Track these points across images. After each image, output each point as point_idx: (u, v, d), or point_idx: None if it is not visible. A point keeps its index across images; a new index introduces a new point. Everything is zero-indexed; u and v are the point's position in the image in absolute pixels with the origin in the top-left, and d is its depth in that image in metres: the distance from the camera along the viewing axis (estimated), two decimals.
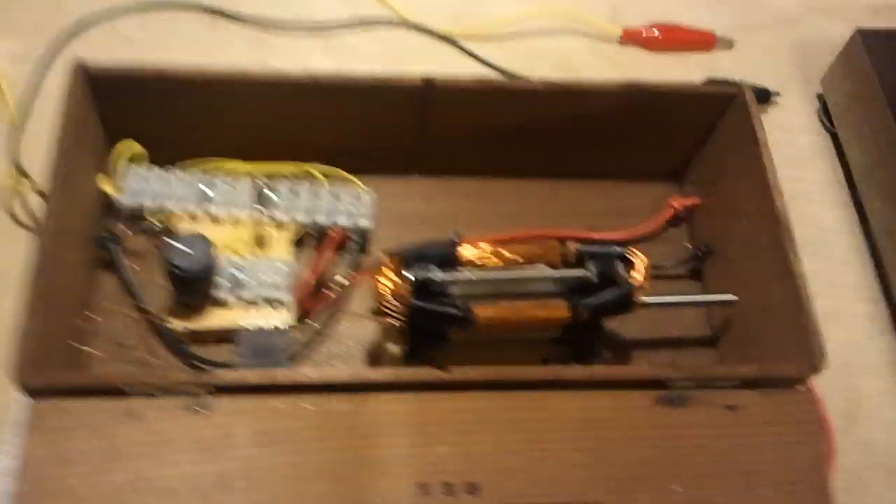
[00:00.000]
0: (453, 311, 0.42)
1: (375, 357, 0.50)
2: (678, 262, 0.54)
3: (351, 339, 0.50)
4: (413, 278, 0.43)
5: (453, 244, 0.45)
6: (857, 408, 0.52)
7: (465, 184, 0.57)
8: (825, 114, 0.64)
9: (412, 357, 0.46)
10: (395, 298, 0.42)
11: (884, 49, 0.59)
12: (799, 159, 0.63)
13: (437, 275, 0.43)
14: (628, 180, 0.58)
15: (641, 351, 0.51)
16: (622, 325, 0.52)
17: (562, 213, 0.57)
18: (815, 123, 0.65)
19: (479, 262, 0.45)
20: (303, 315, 0.50)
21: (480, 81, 0.50)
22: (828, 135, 0.64)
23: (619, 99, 0.51)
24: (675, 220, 0.57)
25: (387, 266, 0.43)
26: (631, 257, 0.45)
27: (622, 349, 0.51)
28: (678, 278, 0.54)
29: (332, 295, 0.50)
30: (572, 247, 0.46)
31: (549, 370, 0.40)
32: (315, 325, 0.49)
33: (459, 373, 0.40)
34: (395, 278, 0.43)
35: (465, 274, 0.44)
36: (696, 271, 0.55)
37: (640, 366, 0.46)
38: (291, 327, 0.48)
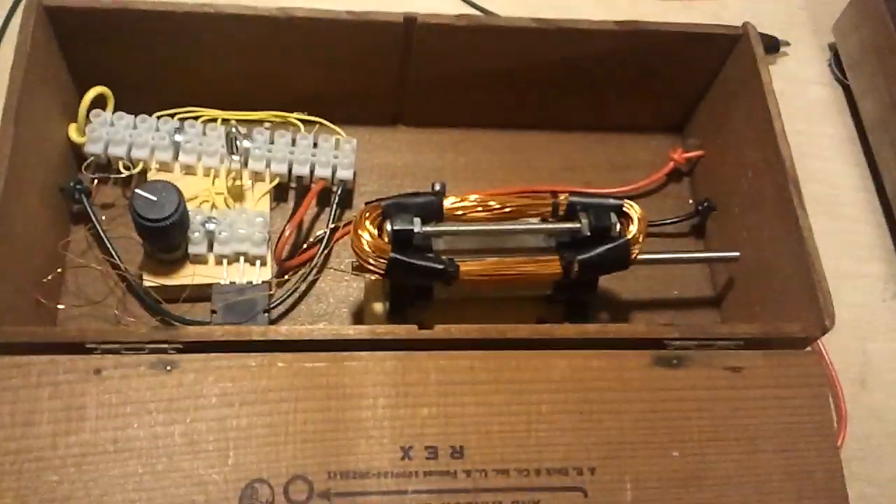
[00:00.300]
0: (435, 264, 0.40)
1: (358, 315, 0.47)
2: (679, 218, 0.51)
3: (333, 297, 0.48)
4: (393, 230, 0.40)
5: (437, 195, 0.42)
6: (869, 372, 0.50)
7: (454, 135, 0.54)
8: (837, 64, 0.61)
9: (395, 315, 0.44)
10: (374, 251, 0.40)
11: None
12: (809, 112, 0.60)
13: (419, 227, 0.40)
14: (627, 132, 0.55)
15: (640, 311, 0.49)
16: (619, 284, 0.49)
17: (556, 166, 0.54)
18: (826, 74, 0.61)
19: (464, 215, 0.42)
20: (282, 271, 0.47)
21: (465, 17, 0.46)
22: (840, 86, 0.61)
23: (616, 40, 0.48)
24: (676, 174, 0.54)
25: (366, 218, 0.40)
26: (627, 210, 0.42)
27: (619, 309, 0.49)
28: (679, 235, 0.52)
29: (313, 250, 0.47)
30: (564, 198, 0.43)
31: (537, 328, 0.38)
32: (294, 281, 0.47)
33: (441, 331, 0.37)
34: (375, 230, 0.40)
35: (450, 226, 0.41)
36: (698, 227, 0.52)
37: (638, 325, 0.43)
38: (269, 283, 0.46)
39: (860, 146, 0.58)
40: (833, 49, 0.62)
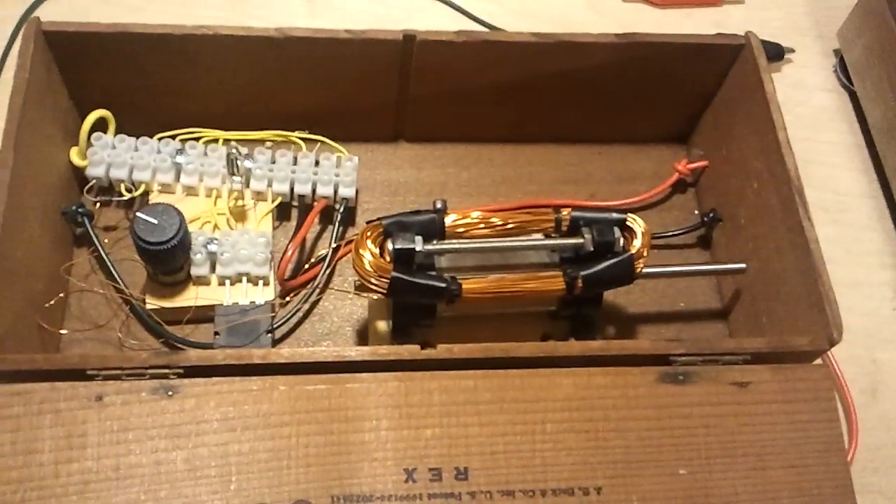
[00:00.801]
0: (437, 283, 0.39)
1: (362, 334, 0.47)
2: (684, 230, 0.50)
3: (336, 316, 0.48)
4: (394, 249, 0.40)
5: (438, 213, 0.41)
6: (880, 382, 0.49)
7: (456, 150, 0.54)
8: (842, 70, 0.60)
9: (399, 334, 0.44)
10: (375, 271, 0.39)
11: None
12: (815, 119, 0.59)
13: (420, 245, 0.40)
14: (631, 144, 0.54)
15: (646, 325, 0.48)
16: (625, 298, 0.49)
17: (560, 179, 0.54)
18: (831, 81, 0.61)
19: (466, 232, 0.42)
20: (285, 291, 0.47)
21: (464, 33, 0.46)
22: (846, 93, 0.60)
23: (617, 53, 0.47)
24: (681, 186, 0.53)
25: (367, 237, 0.40)
26: (630, 224, 0.42)
27: (625, 323, 0.48)
28: (685, 247, 0.51)
29: (316, 269, 0.47)
30: (567, 213, 0.42)
31: (541, 346, 0.37)
32: (298, 301, 0.47)
33: (444, 350, 0.37)
34: (376, 249, 0.40)
35: (451, 244, 0.41)
36: (704, 239, 0.51)
37: (642, 340, 0.43)
38: (272, 304, 0.46)
39: (867, 153, 0.58)
40: (838, 55, 0.61)
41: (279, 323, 0.46)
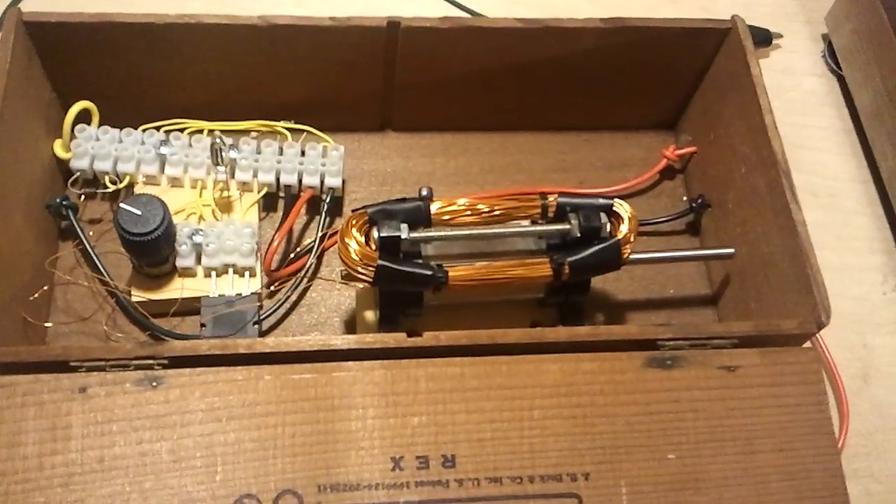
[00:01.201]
0: (423, 271, 0.39)
1: (350, 324, 0.47)
2: (672, 216, 0.50)
3: (324, 306, 0.47)
4: (380, 237, 0.39)
5: (424, 200, 0.41)
6: (871, 367, 0.49)
7: (443, 139, 0.53)
8: (831, 55, 0.60)
9: (386, 323, 0.43)
10: (361, 259, 0.39)
11: None
12: (804, 104, 0.59)
13: (406, 233, 0.40)
14: (619, 130, 0.54)
15: (635, 312, 0.48)
16: (615, 284, 0.49)
17: (549, 167, 0.53)
18: (820, 66, 0.61)
19: (452, 219, 0.41)
20: (271, 281, 0.47)
21: (449, 20, 0.46)
22: (834, 77, 0.60)
23: (603, 38, 0.47)
24: (669, 172, 0.53)
25: (353, 225, 0.40)
26: (617, 209, 0.41)
27: (615, 310, 0.48)
28: (674, 233, 0.51)
29: (303, 259, 0.47)
30: (553, 200, 0.42)
31: (528, 332, 0.37)
32: (285, 291, 0.46)
33: (430, 338, 0.37)
34: (362, 238, 0.40)
35: (437, 232, 0.41)
36: (693, 224, 0.51)
37: (630, 326, 0.43)
38: (259, 295, 0.45)
39: (856, 137, 0.58)
40: (826, 40, 0.61)
41: (266, 314, 0.45)
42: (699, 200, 0.50)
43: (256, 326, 0.45)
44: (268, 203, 0.50)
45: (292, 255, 0.48)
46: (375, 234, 0.40)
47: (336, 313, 0.47)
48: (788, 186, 0.41)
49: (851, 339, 0.49)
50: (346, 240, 0.39)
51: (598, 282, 0.47)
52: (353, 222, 0.40)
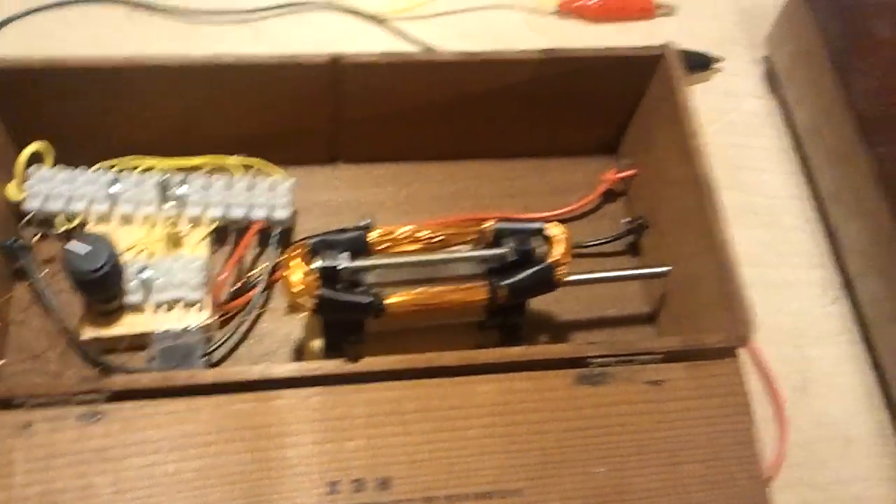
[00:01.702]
0: (360, 299, 0.40)
1: (299, 353, 0.48)
2: (612, 238, 0.51)
3: (273, 337, 0.48)
4: (319, 267, 0.41)
5: (363, 229, 0.42)
6: (810, 379, 0.50)
7: (393, 168, 0.55)
8: (771, 76, 0.62)
9: (332, 350, 0.44)
10: (303, 290, 0.40)
11: (826, 4, 0.57)
12: (745, 125, 0.61)
13: (344, 262, 0.41)
14: (564, 156, 0.56)
15: (577, 331, 0.49)
16: (557, 306, 0.50)
17: (496, 194, 0.55)
18: (760, 87, 0.63)
19: (392, 247, 0.43)
20: (222, 314, 0.48)
21: (388, 55, 0.47)
22: (775, 98, 0.62)
23: (542, 68, 0.49)
24: (612, 195, 0.55)
25: (293, 257, 0.41)
26: (550, 233, 0.43)
27: (557, 330, 0.49)
28: (616, 254, 0.52)
29: (252, 292, 0.48)
30: (490, 225, 0.43)
31: (462, 355, 0.38)
32: (234, 323, 0.47)
33: (367, 363, 0.38)
34: (305, 269, 0.41)
35: (374, 260, 0.42)
36: (634, 245, 0.53)
37: (561, 345, 0.44)
38: (208, 327, 0.46)
39: (795, 155, 0.59)
40: (767, 62, 0.63)
41: (215, 346, 0.46)
42: (638, 221, 0.51)
43: (205, 359, 0.46)
44: (219, 237, 0.51)
45: (238, 286, 0.49)
46: (315, 264, 0.41)
47: (286, 343, 0.48)
48: (714, 205, 0.43)
49: (791, 352, 0.50)
50: (287, 271, 0.41)
51: (542, 303, 0.49)
52: (294, 254, 0.41)
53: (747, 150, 0.60)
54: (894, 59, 0.56)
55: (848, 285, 0.53)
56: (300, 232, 0.52)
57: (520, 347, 0.39)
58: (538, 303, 0.47)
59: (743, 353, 0.40)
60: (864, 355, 0.51)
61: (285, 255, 0.41)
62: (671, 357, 0.39)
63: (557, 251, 0.42)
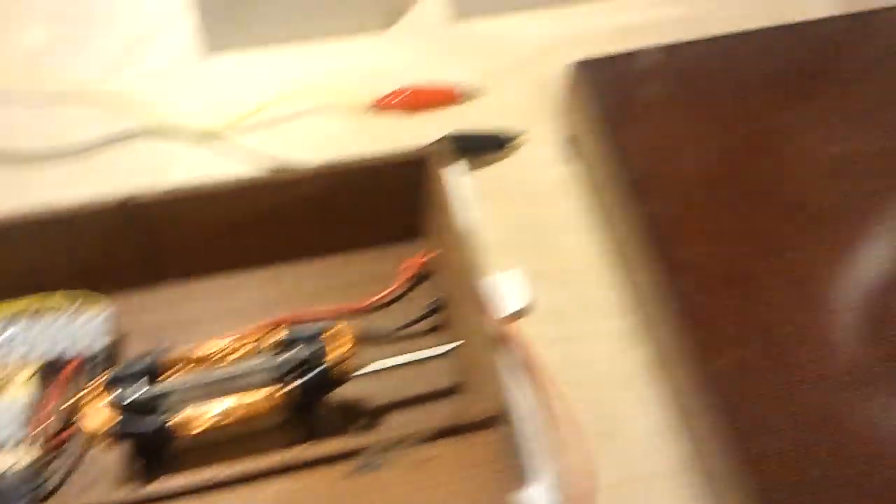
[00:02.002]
0: (148, 428, 0.43)
1: (123, 480, 0.50)
2: (412, 321, 0.55)
3: (98, 465, 0.51)
4: (110, 402, 0.43)
5: (156, 354, 0.46)
6: (614, 425, 0.54)
7: (216, 282, 0.58)
8: (574, 143, 0.67)
9: (150, 473, 0.47)
10: (100, 424, 0.43)
11: (601, 73, 0.63)
12: (549, 193, 0.66)
13: (134, 393, 0.44)
14: (374, 249, 0.60)
15: (385, 416, 0.52)
16: (368, 394, 0.53)
17: (311, 293, 0.58)
18: (560, 155, 0.68)
19: (187, 367, 0.46)
20: (47, 450, 0.50)
21: (174, 192, 0.51)
22: (577, 163, 0.67)
23: (323, 180, 0.53)
24: (421, 278, 0.59)
25: (88, 394, 0.44)
26: (333, 331, 0.47)
27: (370, 416, 0.52)
28: (424, 334, 0.56)
29: (75, 426, 0.50)
30: (282, 329, 0.47)
31: (242, 464, 0.41)
32: (61, 459, 0.50)
33: (153, 488, 0.41)
34: (96, 405, 0.44)
35: (158, 387, 0.45)
36: (439, 325, 0.56)
37: (335, 440, 0.46)
38: (33, 465, 0.49)
39: (597, 215, 0.64)
40: (567, 129, 0.68)
41: (41, 482, 0.49)
42: (435, 303, 0.55)
43: (32, 495, 0.48)
44: (47, 373, 0.53)
45: (65, 422, 0.51)
46: (109, 399, 0.44)
47: (109, 470, 0.51)
48: (474, 281, 0.47)
49: (598, 397, 0.54)
50: (83, 409, 0.43)
51: (355, 393, 0.52)
52: (88, 391, 0.44)
53: (554, 216, 0.64)
54: (661, 120, 0.61)
55: (644, 331, 0.58)
56: (124, 359, 0.55)
57: (296, 449, 0.42)
58: (353, 393, 0.51)
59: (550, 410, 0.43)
60: (663, 394, 0.55)
61: (81, 394, 0.44)
62: (442, 433, 0.42)
63: (339, 349, 0.46)
